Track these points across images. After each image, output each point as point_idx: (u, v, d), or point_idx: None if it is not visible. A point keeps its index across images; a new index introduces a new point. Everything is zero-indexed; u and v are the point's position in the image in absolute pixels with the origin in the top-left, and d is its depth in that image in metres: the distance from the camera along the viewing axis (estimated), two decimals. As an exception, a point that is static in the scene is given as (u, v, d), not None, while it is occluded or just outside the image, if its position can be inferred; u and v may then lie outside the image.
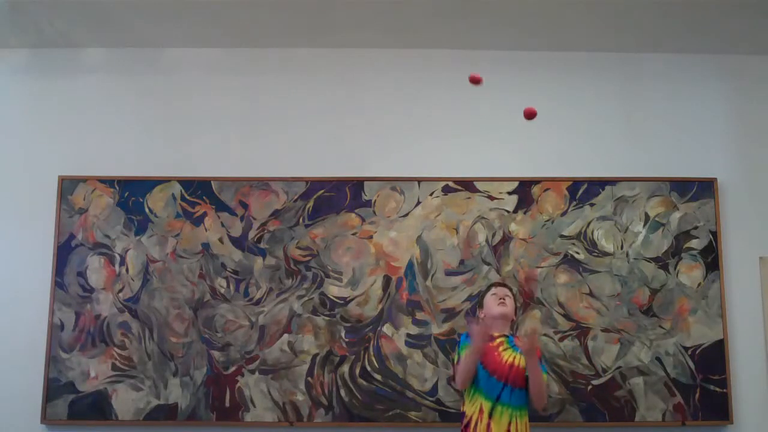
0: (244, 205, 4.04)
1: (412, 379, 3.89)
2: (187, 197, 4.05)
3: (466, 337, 3.31)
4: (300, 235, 4.01)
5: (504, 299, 3.36)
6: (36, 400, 3.87)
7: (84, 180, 4.06)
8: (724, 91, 4.22)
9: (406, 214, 4.03)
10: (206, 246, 4.01)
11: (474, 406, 3.24)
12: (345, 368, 3.90)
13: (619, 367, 3.90)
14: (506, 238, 4.01)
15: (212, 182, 4.06)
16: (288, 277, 3.98)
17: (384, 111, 4.18)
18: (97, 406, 3.86)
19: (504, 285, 3.50)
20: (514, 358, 3.26)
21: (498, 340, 3.30)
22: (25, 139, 4.15)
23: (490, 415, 3.20)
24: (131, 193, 4.05)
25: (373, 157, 4.12)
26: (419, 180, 4.06)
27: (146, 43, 4.18)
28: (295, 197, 4.04)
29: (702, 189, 4.05)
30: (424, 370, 3.89)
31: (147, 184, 4.06)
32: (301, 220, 4.03)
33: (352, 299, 3.96)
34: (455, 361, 3.37)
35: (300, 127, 4.15)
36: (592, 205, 4.04)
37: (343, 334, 3.93)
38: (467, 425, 3.24)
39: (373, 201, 4.04)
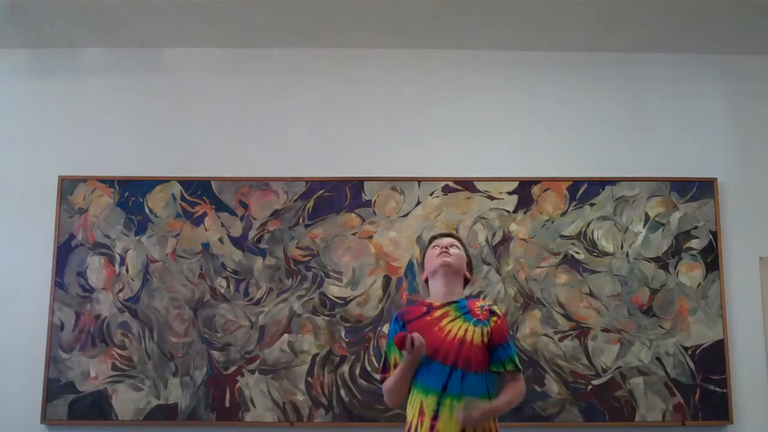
0: (244, 205, 4.04)
1: (412, 379, 3.88)
2: (187, 197, 4.05)
3: (398, 323, 2.62)
4: (300, 235, 4.01)
5: (448, 249, 2.60)
6: (36, 400, 3.87)
7: (84, 180, 4.06)
8: (724, 90, 4.22)
9: (406, 214, 4.03)
10: (206, 246, 4.01)
11: (412, 407, 2.53)
12: (345, 368, 3.90)
13: (619, 367, 3.90)
14: (506, 238, 4.01)
15: (212, 182, 4.06)
16: (288, 277, 3.98)
17: (384, 111, 4.18)
18: (97, 406, 3.86)
19: (448, 234, 2.77)
20: (466, 330, 2.49)
21: (440, 311, 2.57)
22: (25, 139, 4.15)
23: (436, 416, 2.44)
24: (131, 193, 4.05)
25: (373, 157, 4.12)
26: (419, 180, 4.06)
27: (146, 44, 4.18)
28: (295, 197, 4.04)
29: (702, 189, 4.05)
30: (424, 370, 3.89)
31: (147, 184, 4.06)
32: (301, 220, 4.03)
33: (352, 299, 3.96)
34: (381, 366, 2.69)
35: (300, 127, 4.15)
36: (592, 205, 4.04)
37: (343, 334, 3.93)
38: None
39: (373, 201, 4.04)
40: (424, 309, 2.62)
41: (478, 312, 2.57)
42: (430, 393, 2.45)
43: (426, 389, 2.47)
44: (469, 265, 2.70)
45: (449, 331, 2.50)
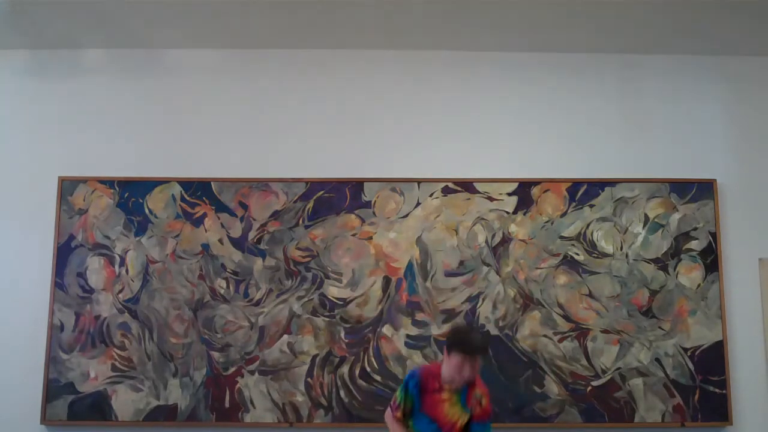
0: (244, 206, 4.05)
1: (412, 380, 3.89)
2: (187, 198, 4.06)
3: (414, 386, 3.15)
4: (300, 236, 4.02)
5: (467, 373, 3.08)
6: (36, 401, 3.88)
7: (84, 181, 4.06)
8: (724, 92, 4.22)
9: (406, 215, 4.04)
10: (206, 247, 4.01)
11: None
12: (344, 369, 3.90)
13: (619, 368, 3.90)
14: (506, 239, 4.01)
15: (212, 183, 4.06)
16: (288, 278, 3.98)
17: (384, 112, 4.18)
18: (97, 407, 3.86)
19: (483, 352, 3.15)
20: (459, 417, 3.11)
21: (447, 394, 3.13)
22: (25, 140, 4.15)
23: None
24: (131, 194, 4.05)
25: (373, 158, 4.12)
26: (419, 181, 4.06)
27: (146, 44, 4.18)
28: (295, 198, 4.05)
29: (701, 190, 4.05)
30: (423, 371, 3.89)
31: (147, 185, 4.06)
32: (300, 221, 4.03)
33: (352, 300, 3.96)
34: (394, 402, 3.18)
35: (300, 128, 4.16)
36: (591, 206, 4.04)
37: (342, 335, 3.93)
38: None
39: (372, 202, 4.05)
40: (438, 386, 3.15)
41: (472, 401, 3.13)
42: None
43: None
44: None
45: (449, 413, 3.11)
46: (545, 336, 3.92)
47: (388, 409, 3.19)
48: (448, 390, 3.13)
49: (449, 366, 3.12)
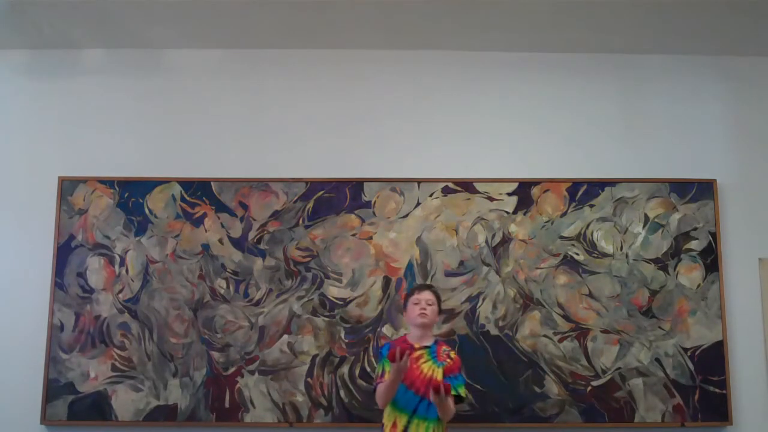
0: (244, 206, 4.05)
1: (412, 380, 3.89)
2: (187, 198, 4.06)
3: (388, 350, 3.33)
4: (300, 236, 4.02)
5: (425, 309, 3.37)
6: (36, 401, 3.88)
7: (84, 181, 4.06)
8: (724, 92, 4.22)
9: (406, 215, 4.04)
10: (206, 247, 4.01)
11: (389, 420, 3.30)
12: (345, 369, 3.90)
13: (619, 368, 3.90)
14: (506, 239, 4.01)
15: (212, 183, 4.06)
16: (288, 278, 3.98)
17: (384, 112, 4.18)
18: (97, 407, 3.87)
19: (428, 288, 3.50)
20: (433, 371, 3.32)
21: (418, 353, 3.35)
22: (25, 140, 4.16)
23: (405, 429, 3.25)
24: (131, 194, 4.05)
25: (373, 158, 4.12)
26: (419, 181, 4.06)
27: (146, 44, 4.18)
28: (295, 198, 4.05)
29: (701, 190, 4.05)
30: (423, 371, 3.89)
31: (147, 185, 4.06)
32: (300, 221, 4.03)
33: (352, 300, 3.96)
34: (377, 375, 3.39)
35: (300, 128, 4.16)
36: (591, 206, 4.05)
37: (342, 335, 3.93)
38: None
39: (372, 202, 4.05)
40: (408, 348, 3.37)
41: (442, 355, 3.39)
42: (404, 412, 3.28)
43: (401, 409, 3.29)
44: (439, 307, 3.49)
45: (422, 371, 3.33)
46: (545, 336, 3.92)
47: (376, 387, 3.33)
48: (418, 348, 3.37)
49: (409, 314, 3.43)
